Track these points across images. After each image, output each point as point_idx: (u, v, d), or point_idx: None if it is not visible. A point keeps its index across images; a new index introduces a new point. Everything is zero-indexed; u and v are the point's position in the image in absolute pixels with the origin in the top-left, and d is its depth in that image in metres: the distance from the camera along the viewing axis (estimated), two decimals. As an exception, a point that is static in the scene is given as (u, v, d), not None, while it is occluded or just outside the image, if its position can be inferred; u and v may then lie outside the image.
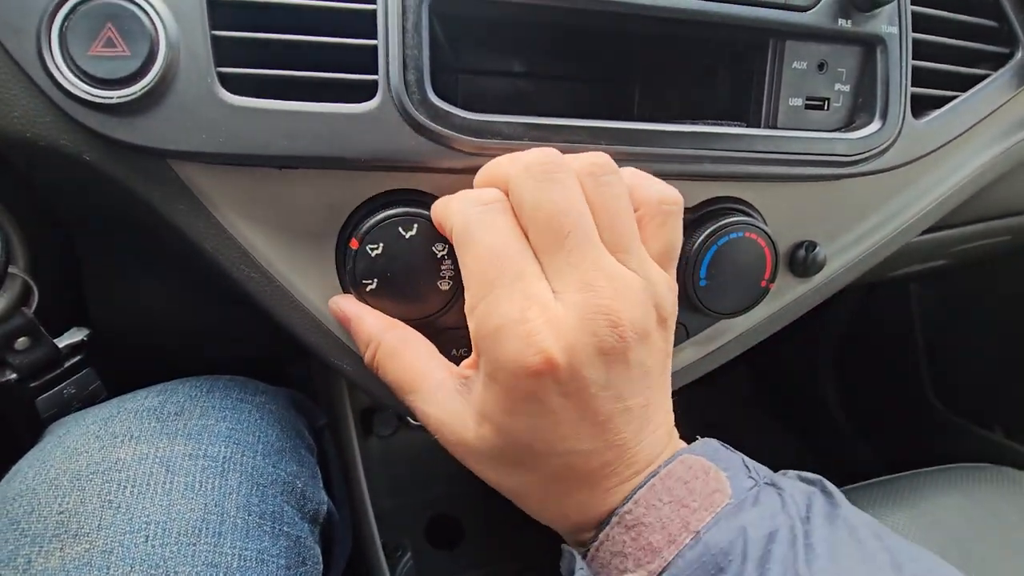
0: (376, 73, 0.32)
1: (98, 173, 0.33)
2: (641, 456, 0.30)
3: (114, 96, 0.30)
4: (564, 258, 0.28)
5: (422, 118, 0.33)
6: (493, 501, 0.86)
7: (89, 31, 0.30)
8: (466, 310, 0.30)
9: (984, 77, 0.46)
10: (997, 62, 0.47)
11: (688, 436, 0.33)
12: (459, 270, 0.35)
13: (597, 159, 0.30)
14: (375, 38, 0.32)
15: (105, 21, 0.30)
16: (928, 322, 1.15)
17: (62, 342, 0.36)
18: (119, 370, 0.45)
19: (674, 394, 0.34)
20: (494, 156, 0.34)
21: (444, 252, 0.35)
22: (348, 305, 0.35)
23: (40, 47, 0.29)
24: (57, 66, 0.30)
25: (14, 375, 0.35)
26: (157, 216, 0.34)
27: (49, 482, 0.32)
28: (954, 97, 0.45)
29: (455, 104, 0.47)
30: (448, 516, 0.83)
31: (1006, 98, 0.47)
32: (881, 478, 0.72)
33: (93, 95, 0.30)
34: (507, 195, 0.30)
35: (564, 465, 0.29)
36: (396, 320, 0.34)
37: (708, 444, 0.32)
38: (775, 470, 0.34)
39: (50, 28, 0.30)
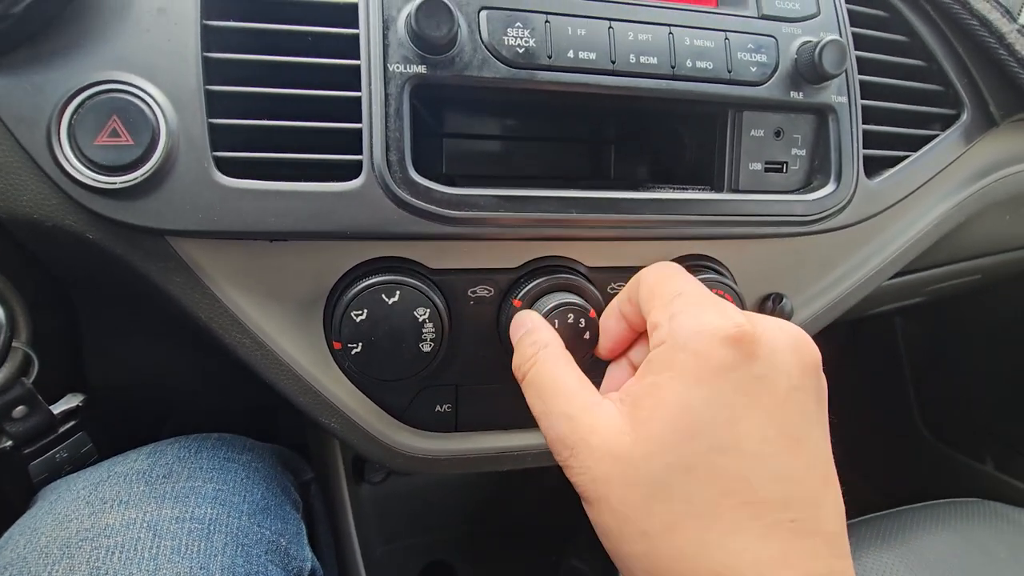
0: (361, 154, 0.35)
1: (100, 250, 0.35)
2: (826, 528, 0.25)
3: (117, 182, 0.32)
4: None
5: (404, 194, 0.35)
6: (489, 547, 0.86)
7: (96, 123, 0.32)
8: (657, 310, 0.30)
9: (934, 137, 0.49)
10: (946, 123, 0.51)
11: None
12: (440, 332, 0.37)
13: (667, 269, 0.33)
14: (360, 122, 0.35)
15: (111, 113, 0.32)
16: (915, 354, 1.16)
17: (58, 408, 0.38)
18: (116, 425, 0.47)
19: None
20: (472, 227, 0.37)
21: (425, 316, 0.37)
22: (534, 316, 0.36)
23: (50, 138, 0.32)
24: (65, 155, 0.32)
25: (9, 442, 0.36)
26: (154, 287, 0.36)
27: (39, 550, 0.33)
28: (906, 157, 0.48)
29: (439, 166, 0.51)
30: (443, 562, 0.82)
31: (956, 155, 0.50)
32: (868, 516, 0.72)
33: (98, 181, 0.32)
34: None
35: (734, 472, 0.25)
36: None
37: None
38: None
39: (60, 121, 0.32)
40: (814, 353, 0.28)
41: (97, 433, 0.42)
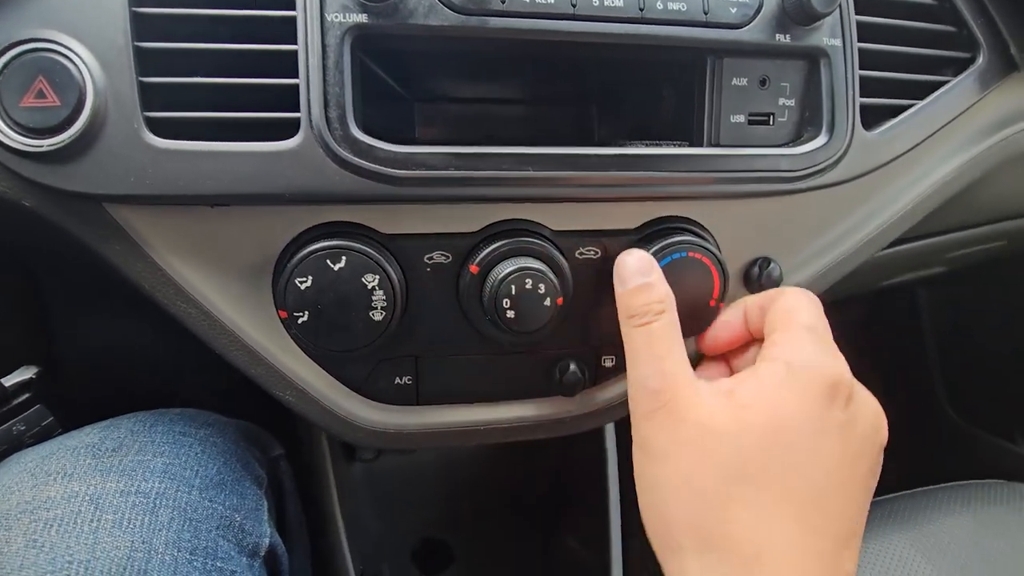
0: (298, 111, 0.33)
1: (38, 218, 0.34)
2: (846, 569, 0.30)
3: (44, 144, 0.31)
4: None
5: (345, 153, 0.33)
6: (483, 523, 0.85)
7: (21, 84, 0.31)
8: (783, 332, 0.34)
9: (943, 84, 0.45)
10: (959, 68, 0.46)
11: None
12: (392, 300, 0.35)
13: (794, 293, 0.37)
14: (297, 77, 0.33)
15: (37, 74, 0.31)
16: (940, 329, 1.11)
17: (9, 380, 0.37)
18: (93, 406, 0.46)
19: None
20: (420, 187, 0.35)
21: (375, 283, 0.35)
22: (651, 265, 0.37)
23: (-27, 101, 0.31)
24: (-10, 118, 0.31)
25: (-41, 413, 0.36)
26: (95, 256, 0.35)
27: None
28: (911, 106, 0.44)
29: (411, 132, 0.48)
30: (437, 540, 0.82)
31: (969, 103, 0.45)
32: (882, 497, 0.69)
33: (25, 144, 0.31)
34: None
35: (793, 488, 0.30)
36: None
37: None
38: None
39: (-16, 82, 0.31)
40: (885, 435, 0.33)
41: (76, 412, 0.42)
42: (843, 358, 0.33)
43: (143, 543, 0.32)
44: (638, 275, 0.36)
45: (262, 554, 0.38)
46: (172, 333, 0.40)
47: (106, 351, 0.51)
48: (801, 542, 0.29)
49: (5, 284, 0.39)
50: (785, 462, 0.30)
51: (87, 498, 0.33)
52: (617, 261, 0.37)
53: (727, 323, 0.39)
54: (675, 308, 0.35)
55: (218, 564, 0.34)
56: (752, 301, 0.38)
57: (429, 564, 0.80)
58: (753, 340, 0.38)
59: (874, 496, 0.68)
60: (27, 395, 0.38)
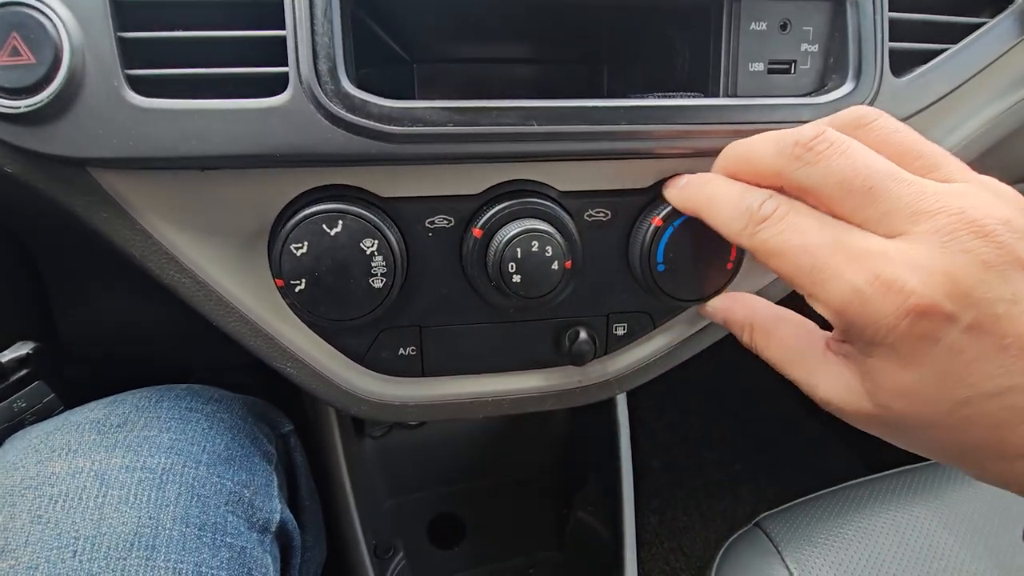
0: (287, 65, 0.31)
1: (23, 185, 0.33)
2: None
3: (21, 105, 0.30)
4: (882, 206, 0.26)
5: (336, 108, 0.31)
6: (495, 497, 0.85)
7: (-6, 41, 0.29)
8: (810, 303, 0.28)
9: (980, 26, 0.41)
10: (997, 7, 0.43)
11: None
12: (392, 266, 0.33)
13: (855, 112, 0.29)
14: (284, 28, 0.31)
15: (10, 30, 0.29)
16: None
17: (6, 356, 0.36)
18: (95, 383, 0.46)
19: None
20: (417, 145, 0.33)
21: (374, 248, 0.33)
22: (717, 303, 0.37)
23: (-54, 61, 0.29)
24: (-35, 79, 0.29)
25: (-43, 389, 0.35)
26: (83, 224, 0.34)
27: None
28: (945, 50, 0.41)
29: (411, 94, 0.46)
30: (450, 515, 0.82)
31: (1007, 47, 0.42)
32: (900, 468, 0.67)
33: (2, 106, 0.30)
34: (779, 188, 0.29)
35: (1000, 409, 0.24)
36: (767, 301, 0.34)
37: None
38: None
39: (-43, 41, 0.29)
40: (984, 249, 0.24)
41: (72, 391, 0.41)
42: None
43: (150, 519, 0.32)
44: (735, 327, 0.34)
45: (273, 530, 0.38)
46: (174, 306, 0.39)
47: (107, 326, 0.50)
48: None
49: (5, 269, 0.38)
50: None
51: (92, 474, 0.32)
52: (676, 189, 0.34)
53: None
54: (768, 308, 0.33)
55: (227, 540, 0.34)
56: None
57: (442, 538, 0.80)
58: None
59: (896, 467, 0.66)
60: (25, 371, 0.37)
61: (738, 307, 0.35)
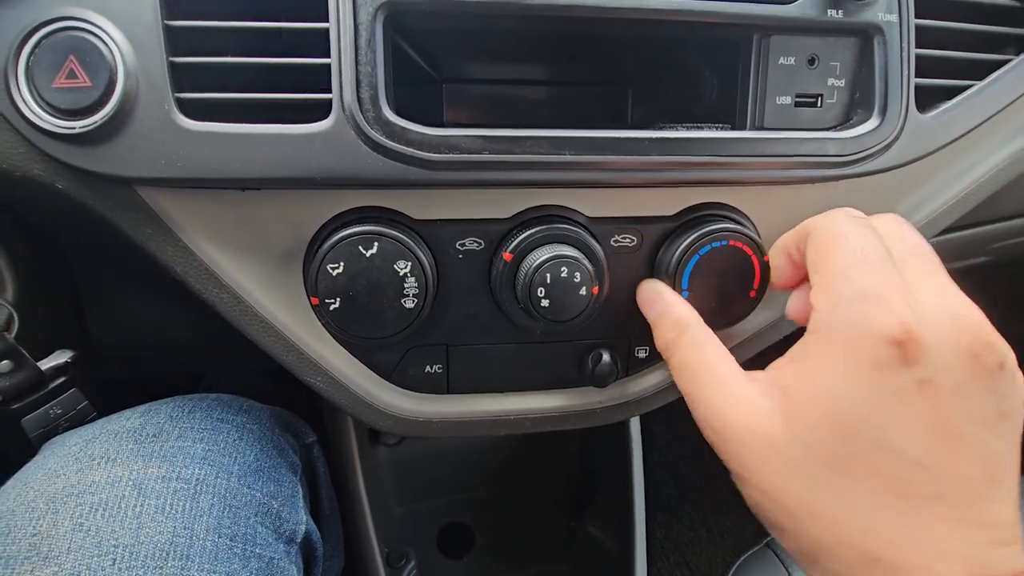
0: (330, 92, 0.32)
1: (72, 201, 0.34)
2: (986, 519, 0.25)
3: (76, 126, 0.31)
4: (921, 267, 0.28)
5: (377, 135, 0.32)
6: (506, 509, 0.85)
7: (53, 64, 0.31)
8: (817, 289, 0.29)
9: (1004, 63, 0.42)
10: (1021, 46, 0.43)
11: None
12: (424, 287, 0.34)
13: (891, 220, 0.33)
14: (328, 57, 0.32)
15: (67, 54, 0.31)
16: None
17: (45, 364, 0.37)
18: (128, 390, 0.47)
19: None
20: (453, 172, 0.33)
21: (407, 270, 0.34)
22: (663, 289, 0.37)
23: (7, 81, 0.30)
24: (24, 99, 0.31)
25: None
26: (127, 240, 0.35)
27: (27, 504, 0.33)
28: (969, 87, 0.41)
29: (440, 115, 0.47)
30: (460, 524, 0.82)
31: (1031, 85, 0.43)
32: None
33: (58, 126, 0.31)
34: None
35: (890, 471, 0.25)
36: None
37: None
38: None
39: (16, 62, 0.30)
40: (991, 356, 0.26)
41: (99, 393, 0.42)
42: (894, 286, 0.27)
43: (185, 529, 0.32)
44: (651, 308, 0.36)
45: (298, 540, 0.38)
46: (207, 317, 0.40)
47: (142, 335, 0.51)
48: (922, 536, 0.25)
49: (41, 268, 0.39)
50: (869, 464, 0.26)
51: (130, 483, 0.33)
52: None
53: (777, 267, 0.34)
54: (696, 320, 0.34)
55: (257, 550, 0.35)
56: (788, 241, 0.33)
57: (452, 548, 0.81)
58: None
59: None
60: (63, 379, 0.38)
61: (682, 307, 0.36)
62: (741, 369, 0.31)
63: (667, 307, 0.36)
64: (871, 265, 0.27)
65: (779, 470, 0.27)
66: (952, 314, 0.27)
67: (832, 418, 0.26)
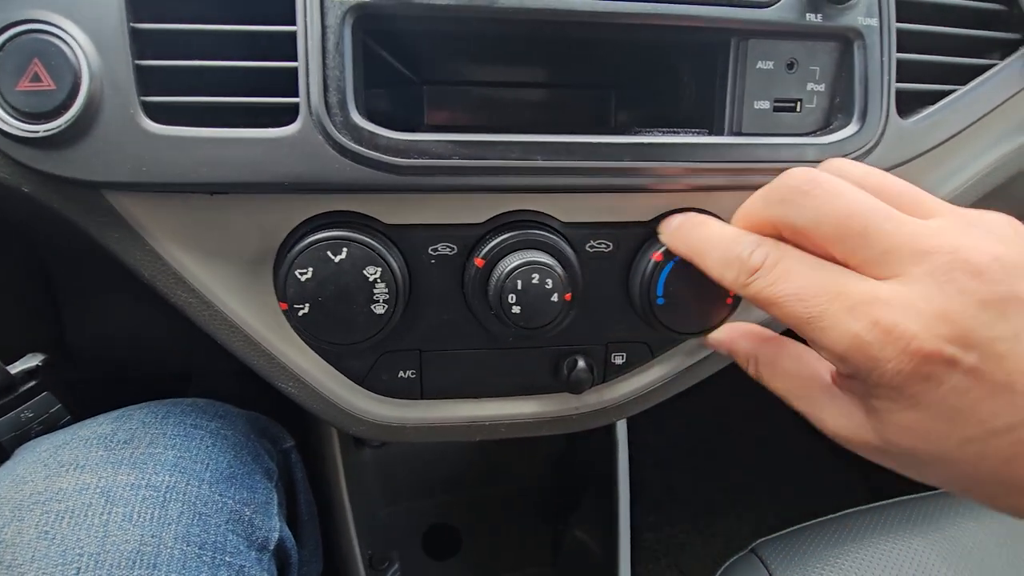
0: (297, 96, 0.31)
1: (39, 205, 0.33)
2: None
3: (40, 130, 0.31)
4: (877, 247, 0.26)
5: (344, 140, 0.32)
6: (492, 511, 0.85)
7: (17, 67, 0.30)
8: (812, 347, 0.28)
9: (988, 68, 0.41)
10: (1007, 50, 0.43)
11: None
12: (394, 292, 0.34)
13: (835, 160, 0.30)
14: (296, 60, 0.31)
15: (32, 56, 0.30)
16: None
17: (16, 368, 0.37)
18: (102, 394, 0.47)
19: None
20: (423, 176, 0.33)
21: (376, 276, 0.34)
22: (721, 335, 0.36)
23: (-29, 85, 0.30)
24: (-12, 102, 0.30)
25: (-34, 401, 0.36)
26: (96, 244, 0.34)
27: None
28: (952, 92, 0.41)
29: (420, 118, 0.47)
30: (446, 526, 0.82)
31: (1016, 89, 0.42)
32: (902, 498, 0.66)
33: (22, 129, 0.31)
34: (779, 236, 0.29)
35: (1010, 444, 0.24)
36: (771, 332, 0.34)
37: None
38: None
39: (-19, 65, 0.30)
40: (981, 287, 0.24)
41: (78, 397, 0.42)
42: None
43: (152, 537, 0.32)
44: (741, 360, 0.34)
45: (271, 548, 0.38)
46: (182, 320, 0.40)
47: (115, 339, 0.51)
48: None
49: (13, 271, 0.39)
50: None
51: (98, 490, 0.33)
52: (669, 232, 0.34)
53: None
54: (770, 341, 0.33)
55: (227, 559, 0.34)
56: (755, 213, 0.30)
57: (438, 550, 0.80)
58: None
59: (894, 497, 0.66)
60: (34, 382, 0.38)
61: (741, 339, 0.35)
62: (827, 367, 0.30)
63: (731, 346, 0.34)
64: (829, 305, 0.26)
65: (895, 465, 0.27)
66: (931, 274, 0.25)
67: (912, 437, 0.25)
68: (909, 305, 0.24)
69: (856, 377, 0.27)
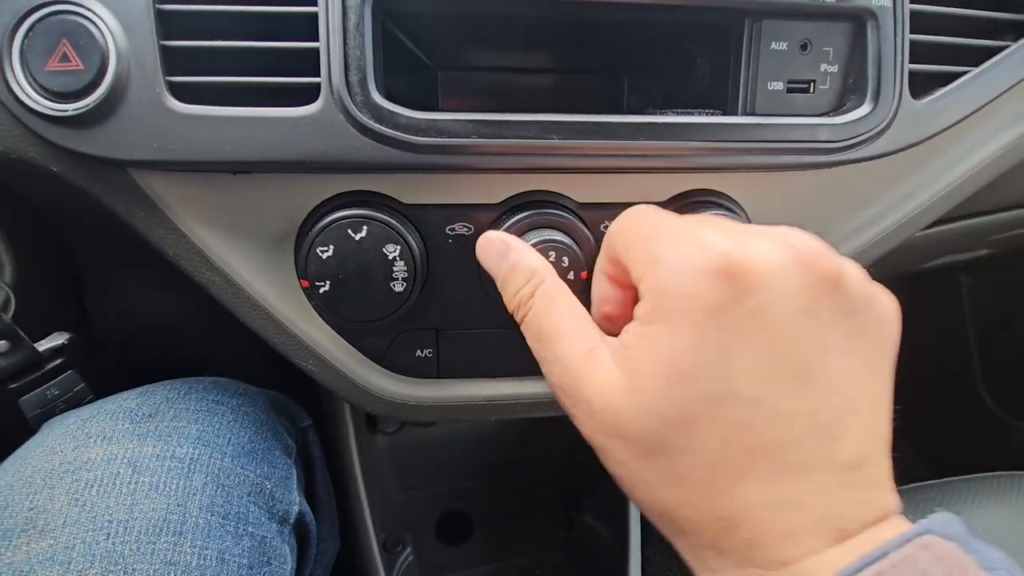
0: (319, 75, 0.32)
1: (66, 184, 0.34)
2: (840, 460, 0.23)
3: (69, 109, 0.31)
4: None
5: (365, 119, 0.32)
6: (504, 497, 0.86)
7: (46, 47, 0.31)
8: (630, 266, 0.27)
9: (1002, 49, 0.42)
10: (1020, 31, 0.43)
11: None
12: (413, 271, 0.35)
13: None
14: (317, 40, 0.32)
15: (61, 37, 0.31)
16: (980, 315, 1.06)
17: (43, 346, 0.38)
18: (125, 373, 0.48)
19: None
20: (442, 155, 0.34)
21: (396, 254, 0.35)
22: (511, 239, 0.33)
23: (2, 65, 0.31)
24: (18, 82, 0.31)
25: (-5, 376, 0.37)
26: (121, 223, 0.35)
27: (24, 480, 0.34)
28: (965, 73, 0.41)
29: (435, 101, 0.47)
30: (459, 511, 0.83)
31: (1029, 71, 0.42)
32: (914, 485, 0.67)
33: (51, 108, 0.31)
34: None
35: (742, 425, 0.23)
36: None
37: (951, 523, 0.22)
38: None
39: (11, 46, 0.31)
40: (826, 265, 0.24)
41: (97, 378, 0.43)
42: (715, 226, 0.25)
43: (178, 506, 0.33)
44: (498, 262, 0.32)
45: (291, 521, 0.39)
46: (204, 301, 0.41)
47: (139, 318, 0.52)
48: (774, 492, 0.23)
49: (38, 251, 0.40)
50: (712, 415, 0.23)
51: (125, 461, 0.34)
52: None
53: (601, 298, 0.31)
54: (551, 274, 0.30)
55: (249, 529, 0.35)
56: (600, 262, 0.31)
57: (450, 535, 0.81)
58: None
59: (906, 484, 0.66)
60: (60, 360, 0.39)
61: (534, 257, 0.32)
62: (599, 330, 0.28)
63: (519, 258, 0.31)
64: (682, 220, 0.26)
65: (625, 436, 0.25)
66: (779, 237, 0.24)
67: (668, 373, 0.23)
68: (736, 235, 0.25)
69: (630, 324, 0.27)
